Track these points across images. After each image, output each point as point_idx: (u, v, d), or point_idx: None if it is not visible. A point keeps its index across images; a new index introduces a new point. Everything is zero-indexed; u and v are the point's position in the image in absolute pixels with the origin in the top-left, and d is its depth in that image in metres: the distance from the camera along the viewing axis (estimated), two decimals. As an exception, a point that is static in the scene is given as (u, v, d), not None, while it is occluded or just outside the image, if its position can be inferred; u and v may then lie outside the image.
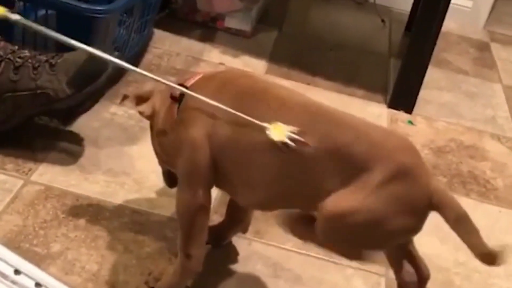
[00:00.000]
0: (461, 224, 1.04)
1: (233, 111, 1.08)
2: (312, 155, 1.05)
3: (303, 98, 1.15)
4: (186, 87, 1.16)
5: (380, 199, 1.03)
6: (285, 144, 1.04)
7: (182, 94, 1.16)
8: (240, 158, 1.10)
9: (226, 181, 1.15)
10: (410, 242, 1.18)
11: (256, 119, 1.07)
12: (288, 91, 1.16)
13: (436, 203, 1.05)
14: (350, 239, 1.09)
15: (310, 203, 1.07)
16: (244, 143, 1.09)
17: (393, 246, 1.17)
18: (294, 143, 1.04)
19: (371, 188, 1.02)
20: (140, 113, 1.22)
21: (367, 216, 1.03)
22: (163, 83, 1.17)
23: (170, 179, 1.29)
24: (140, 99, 1.22)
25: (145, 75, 1.20)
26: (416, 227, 1.08)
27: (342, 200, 1.04)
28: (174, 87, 1.16)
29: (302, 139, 1.04)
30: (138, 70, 1.20)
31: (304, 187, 1.07)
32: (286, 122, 1.06)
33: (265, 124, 1.06)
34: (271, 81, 1.22)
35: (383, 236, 1.08)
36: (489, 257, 1.04)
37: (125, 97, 1.22)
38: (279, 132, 1.05)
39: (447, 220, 1.05)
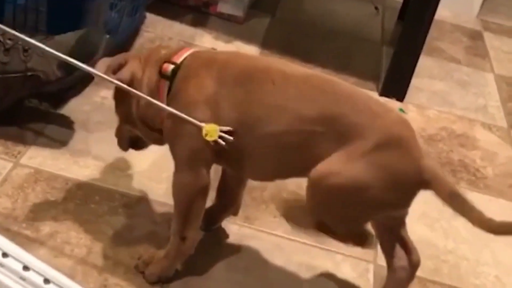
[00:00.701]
0: (456, 199, 1.07)
1: (169, 109, 1.10)
2: (312, 126, 1.07)
3: (306, 71, 1.15)
4: (176, 63, 1.15)
5: (368, 165, 1.04)
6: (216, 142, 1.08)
7: (174, 73, 1.15)
8: (246, 139, 1.11)
9: (231, 159, 1.15)
10: (402, 226, 1.19)
11: (263, 97, 1.09)
12: (290, 66, 1.17)
13: (428, 180, 1.06)
14: (333, 204, 1.10)
15: (307, 169, 1.08)
16: (248, 124, 1.10)
17: (376, 218, 1.17)
18: (225, 142, 1.08)
19: (361, 154, 1.04)
20: (120, 80, 1.16)
21: (351, 180, 1.05)
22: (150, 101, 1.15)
23: (132, 143, 1.30)
24: (116, 67, 1.19)
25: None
26: (402, 202, 1.10)
27: (330, 163, 1.06)
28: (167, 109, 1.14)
29: (231, 138, 1.08)
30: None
31: (307, 156, 1.08)
32: (290, 96, 1.08)
33: (201, 124, 1.07)
34: (269, 57, 1.22)
35: (366, 205, 1.09)
36: (489, 225, 1.06)
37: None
38: (212, 131, 1.07)
39: (441, 196, 1.07)
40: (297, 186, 1.47)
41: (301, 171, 1.11)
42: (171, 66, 1.16)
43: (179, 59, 1.16)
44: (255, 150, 1.12)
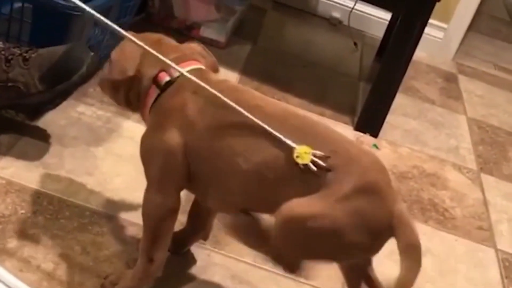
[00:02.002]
0: (408, 255, 1.04)
1: (264, 125, 1.07)
2: (288, 164, 1.06)
3: (286, 109, 1.15)
4: (172, 77, 1.15)
5: (342, 210, 1.03)
6: (306, 166, 1.04)
7: (167, 84, 1.15)
8: (216, 167, 1.10)
9: (197, 184, 1.15)
10: (369, 264, 1.19)
11: (240, 131, 1.08)
12: (271, 102, 1.16)
13: (393, 226, 1.05)
14: (304, 245, 1.08)
15: (274, 208, 1.06)
16: (221, 153, 1.09)
17: (346, 261, 1.17)
18: (317, 167, 1.04)
19: (336, 198, 1.03)
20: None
21: (324, 223, 1.03)
22: (168, 63, 1.12)
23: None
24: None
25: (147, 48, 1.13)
26: (372, 247, 1.08)
27: (304, 204, 1.04)
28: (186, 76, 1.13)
29: (324, 164, 1.05)
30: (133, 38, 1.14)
31: (277, 194, 1.07)
32: (268, 133, 1.07)
33: (293, 144, 1.06)
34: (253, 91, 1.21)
35: (337, 248, 1.08)
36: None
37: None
38: (305, 154, 1.05)
39: (398, 246, 1.05)
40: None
41: (267, 209, 1.10)
42: (167, 78, 1.16)
43: (176, 73, 1.15)
44: (223, 179, 1.11)
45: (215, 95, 1.12)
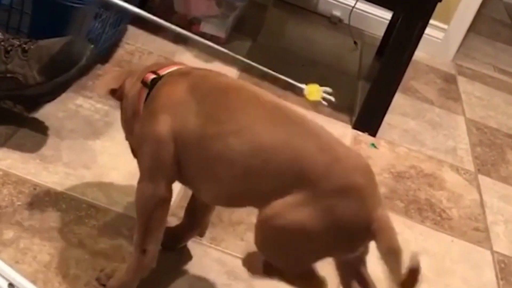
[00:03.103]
0: (389, 258, 1.02)
1: (273, 73, 1.06)
2: (273, 155, 1.05)
3: (279, 101, 1.15)
4: (159, 75, 1.17)
5: (317, 211, 1.02)
6: (319, 102, 1.03)
7: (154, 81, 1.16)
8: (205, 154, 1.10)
9: (189, 176, 1.15)
10: (362, 264, 1.18)
11: (230, 114, 1.08)
12: (264, 92, 1.17)
13: (373, 231, 1.03)
14: (279, 248, 1.08)
15: (263, 202, 1.06)
16: (211, 140, 1.09)
17: (321, 260, 1.17)
18: (327, 102, 1.03)
19: (313, 198, 1.03)
20: (111, 92, 1.21)
21: (298, 226, 1.03)
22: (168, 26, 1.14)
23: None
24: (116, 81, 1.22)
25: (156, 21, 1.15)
26: (348, 249, 1.08)
27: (281, 205, 1.04)
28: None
29: (333, 99, 1.03)
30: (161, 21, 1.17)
31: (262, 185, 1.06)
32: (258, 119, 1.07)
33: (301, 85, 1.05)
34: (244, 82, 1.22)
35: (313, 249, 1.08)
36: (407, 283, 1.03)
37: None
38: (314, 92, 1.04)
39: (379, 250, 1.03)
40: (266, 211, 1.48)
41: (254, 202, 1.10)
42: (152, 76, 1.17)
43: (163, 72, 1.18)
44: (212, 168, 1.10)
45: (202, 83, 1.13)
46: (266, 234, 1.08)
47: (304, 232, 1.04)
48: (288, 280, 1.14)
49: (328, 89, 1.05)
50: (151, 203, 1.14)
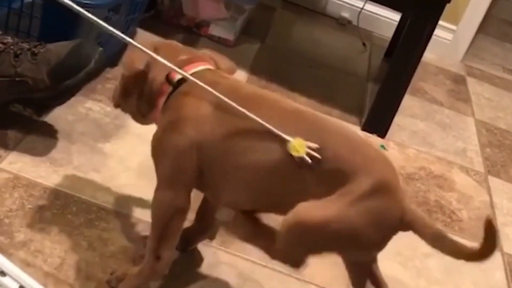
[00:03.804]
0: (439, 241, 1.07)
1: (258, 119, 1.07)
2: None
3: (301, 106, 1.15)
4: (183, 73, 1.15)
5: (356, 212, 1.03)
6: (301, 159, 1.05)
7: (180, 82, 1.15)
8: (232, 165, 1.10)
9: (209, 185, 1.15)
10: (374, 262, 1.19)
11: (253, 126, 1.08)
12: (286, 100, 1.17)
13: (409, 222, 1.07)
14: (312, 248, 1.09)
15: (286, 206, 1.06)
16: (237, 152, 1.09)
17: (353, 257, 1.17)
18: (311, 159, 1.05)
19: (352, 199, 1.03)
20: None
21: (338, 226, 1.04)
22: (169, 66, 1.13)
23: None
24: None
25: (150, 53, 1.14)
26: (381, 244, 1.09)
27: (315, 208, 1.04)
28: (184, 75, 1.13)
29: (319, 156, 1.05)
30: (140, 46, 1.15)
31: (292, 193, 1.07)
32: (283, 128, 1.07)
33: (288, 137, 1.06)
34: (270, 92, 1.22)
35: (346, 246, 1.09)
36: (477, 256, 1.05)
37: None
38: (298, 147, 1.05)
39: (424, 238, 1.07)
40: (275, 213, 1.48)
41: (279, 208, 1.10)
42: (179, 76, 1.16)
43: (189, 71, 1.15)
44: (239, 178, 1.11)
45: (228, 95, 1.12)
46: (298, 234, 1.06)
47: (349, 234, 1.05)
48: (273, 255, 1.14)
49: (313, 145, 1.05)
50: (169, 211, 1.14)
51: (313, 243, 1.08)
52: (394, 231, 1.08)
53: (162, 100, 1.17)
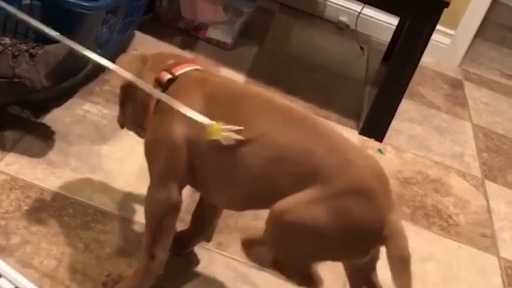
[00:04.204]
0: (398, 266, 1.04)
1: (176, 104, 1.10)
2: (286, 157, 1.06)
3: (289, 105, 1.16)
4: (174, 74, 1.17)
5: (328, 210, 1.03)
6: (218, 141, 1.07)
7: (169, 83, 1.16)
8: (222, 161, 1.11)
9: (203, 182, 1.15)
10: (372, 270, 1.18)
11: (244, 122, 1.08)
12: (276, 97, 1.18)
13: (385, 236, 1.04)
14: (290, 244, 1.08)
15: (274, 202, 1.07)
16: (227, 148, 1.09)
17: (333, 261, 1.16)
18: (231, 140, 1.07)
19: (325, 197, 1.03)
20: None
21: (308, 220, 1.03)
22: (142, 86, 1.16)
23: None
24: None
25: (124, 75, 1.17)
26: (358, 251, 1.08)
27: (292, 200, 1.04)
28: (156, 94, 1.15)
29: (239, 136, 1.06)
30: (112, 66, 1.18)
31: (275, 188, 1.07)
32: (271, 123, 1.08)
33: (204, 121, 1.07)
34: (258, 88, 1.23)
35: (319, 248, 1.08)
36: None
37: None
38: (216, 130, 1.06)
39: (387, 255, 1.04)
40: (272, 216, 1.48)
41: (268, 203, 1.10)
42: (168, 76, 1.17)
43: (177, 72, 1.17)
44: (229, 174, 1.11)
45: (218, 92, 1.13)
46: (277, 228, 1.07)
47: (314, 229, 1.04)
48: (285, 274, 1.14)
49: (234, 127, 1.06)
50: (163, 208, 1.15)
51: (286, 237, 1.07)
52: (372, 240, 1.05)
53: (153, 103, 1.18)
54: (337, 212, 1.03)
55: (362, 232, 1.04)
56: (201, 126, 1.09)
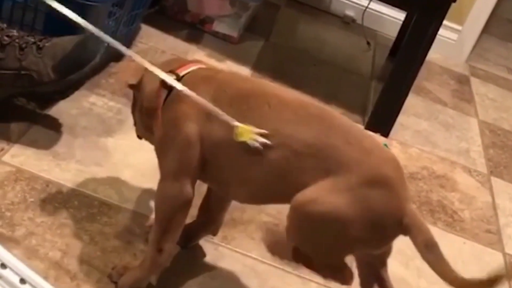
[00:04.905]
0: (430, 251, 1.05)
1: (208, 104, 1.09)
2: (303, 153, 1.06)
3: (303, 98, 1.16)
4: (178, 75, 1.17)
5: (350, 200, 1.03)
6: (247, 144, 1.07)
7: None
8: (237, 158, 1.11)
9: (214, 176, 1.16)
10: (383, 265, 1.18)
11: (256, 119, 1.09)
12: (287, 92, 1.17)
13: (407, 225, 1.05)
14: (310, 232, 1.09)
15: (292, 196, 1.07)
16: (241, 145, 1.08)
17: (354, 253, 1.17)
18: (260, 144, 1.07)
19: (346, 187, 1.04)
20: (131, 87, 1.23)
21: (331, 210, 1.04)
22: (156, 73, 1.16)
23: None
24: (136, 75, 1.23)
25: (140, 61, 1.17)
26: (379, 242, 1.09)
27: (313, 191, 1.05)
28: (172, 83, 1.15)
29: (267, 141, 1.06)
30: (134, 54, 1.18)
31: (293, 183, 1.08)
32: (285, 120, 1.09)
33: (235, 123, 1.07)
34: (267, 82, 1.23)
35: (342, 238, 1.08)
36: (457, 281, 1.04)
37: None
38: (246, 132, 1.06)
39: (416, 244, 1.06)
40: (277, 210, 1.48)
41: (286, 198, 1.10)
42: (172, 76, 1.17)
43: (182, 72, 1.18)
44: (245, 170, 1.11)
45: (226, 89, 1.13)
46: (299, 220, 1.08)
47: (337, 219, 1.04)
48: (315, 269, 1.15)
49: (262, 131, 1.07)
50: (174, 203, 1.15)
51: (308, 228, 1.08)
52: (392, 230, 1.07)
53: (160, 103, 1.17)
54: (359, 201, 1.04)
55: (384, 220, 1.05)
56: (227, 125, 1.09)
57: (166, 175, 1.16)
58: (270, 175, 1.09)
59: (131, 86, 1.23)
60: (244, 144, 1.08)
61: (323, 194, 1.05)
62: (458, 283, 1.04)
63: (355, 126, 1.14)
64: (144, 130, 1.26)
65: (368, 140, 1.11)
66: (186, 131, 1.12)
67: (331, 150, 1.06)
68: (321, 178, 1.05)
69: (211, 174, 1.15)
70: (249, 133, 1.07)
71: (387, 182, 1.05)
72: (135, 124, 1.30)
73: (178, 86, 1.13)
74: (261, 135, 1.07)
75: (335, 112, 1.16)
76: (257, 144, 1.07)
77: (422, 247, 1.05)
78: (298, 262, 1.16)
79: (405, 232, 1.06)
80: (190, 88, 1.14)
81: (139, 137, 1.33)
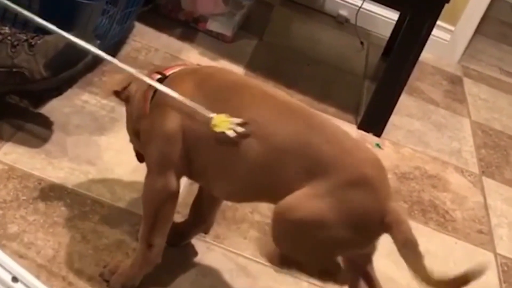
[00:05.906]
0: (407, 249, 1.05)
1: (186, 100, 1.10)
2: (283, 149, 1.06)
3: (286, 96, 1.16)
4: (165, 75, 1.17)
5: (332, 203, 1.04)
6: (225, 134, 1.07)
7: (160, 81, 1.17)
8: (217, 151, 1.11)
9: (199, 172, 1.15)
10: (368, 263, 1.19)
11: (238, 111, 1.09)
12: (271, 89, 1.18)
13: (388, 223, 1.05)
14: (295, 239, 1.09)
15: (276, 197, 1.08)
16: (217, 136, 1.09)
17: (336, 256, 1.18)
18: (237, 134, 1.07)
19: (327, 190, 1.04)
20: (115, 93, 1.21)
21: (314, 218, 1.04)
22: (138, 76, 1.17)
23: (141, 157, 1.29)
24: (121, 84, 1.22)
25: (120, 67, 1.18)
26: (363, 242, 1.09)
27: (294, 198, 1.05)
28: (152, 84, 1.16)
29: (244, 130, 1.06)
30: (114, 60, 1.19)
31: (274, 180, 1.08)
32: (266, 114, 1.08)
33: (210, 114, 1.07)
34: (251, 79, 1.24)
35: (327, 242, 1.08)
36: (433, 283, 1.04)
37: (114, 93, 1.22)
38: (222, 123, 1.07)
39: (395, 242, 1.05)
40: (270, 209, 1.47)
41: (268, 196, 1.11)
42: (158, 76, 1.18)
43: (168, 72, 1.18)
44: (225, 165, 1.11)
45: (209, 81, 1.14)
46: (282, 227, 1.08)
47: (319, 224, 1.05)
48: (308, 273, 1.15)
49: (237, 120, 1.07)
50: (160, 196, 1.15)
51: (290, 233, 1.08)
52: (375, 229, 1.07)
53: (148, 103, 1.17)
54: (339, 204, 1.04)
55: (366, 221, 1.06)
56: (204, 118, 1.09)
57: (151, 169, 1.17)
58: (251, 171, 1.09)
59: (116, 93, 1.22)
60: (224, 138, 1.08)
61: (304, 200, 1.05)
62: (432, 282, 1.04)
63: (335, 125, 1.14)
64: (133, 135, 1.25)
65: (347, 139, 1.11)
66: (168, 126, 1.12)
67: (311, 149, 1.06)
68: (301, 178, 1.05)
69: (196, 170, 1.15)
70: (225, 123, 1.07)
71: (366, 182, 1.05)
72: (131, 141, 1.29)
73: (157, 84, 1.14)
74: (239, 124, 1.07)
75: (316, 111, 1.16)
76: (234, 134, 1.06)
77: (400, 245, 1.05)
78: (290, 267, 1.17)
79: (386, 230, 1.06)
80: (176, 82, 1.15)
81: (138, 158, 1.31)
